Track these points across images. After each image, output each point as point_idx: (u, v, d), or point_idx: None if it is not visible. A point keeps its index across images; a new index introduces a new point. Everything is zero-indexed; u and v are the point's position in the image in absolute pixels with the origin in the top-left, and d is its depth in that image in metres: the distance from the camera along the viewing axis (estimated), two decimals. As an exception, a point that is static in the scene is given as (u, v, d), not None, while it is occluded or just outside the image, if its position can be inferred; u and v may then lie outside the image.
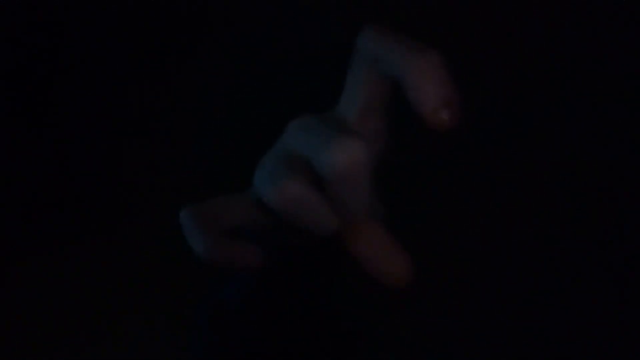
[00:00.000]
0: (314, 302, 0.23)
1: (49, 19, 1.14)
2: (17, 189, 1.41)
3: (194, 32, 1.59)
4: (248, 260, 0.17)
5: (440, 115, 0.15)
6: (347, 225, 0.17)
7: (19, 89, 1.27)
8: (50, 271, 1.42)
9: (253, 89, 1.77)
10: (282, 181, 0.16)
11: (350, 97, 0.18)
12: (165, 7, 1.19)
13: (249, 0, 1.22)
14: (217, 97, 1.77)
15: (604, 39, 0.44)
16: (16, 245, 1.48)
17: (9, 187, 1.31)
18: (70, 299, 1.30)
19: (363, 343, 0.25)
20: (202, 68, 1.85)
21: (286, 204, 0.16)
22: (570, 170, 0.34)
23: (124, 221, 1.51)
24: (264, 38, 1.68)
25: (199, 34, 1.63)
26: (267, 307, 0.23)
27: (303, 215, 0.16)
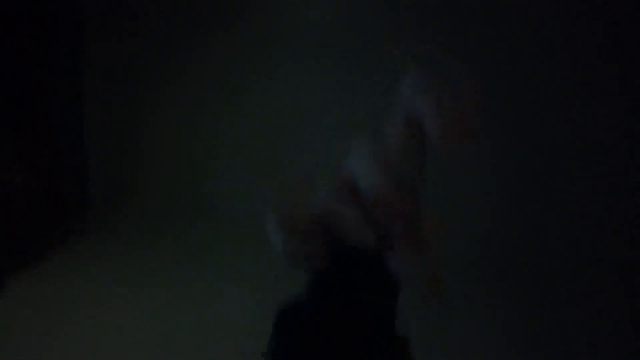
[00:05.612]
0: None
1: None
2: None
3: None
4: (315, 256, 0.20)
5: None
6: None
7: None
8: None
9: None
10: (326, 202, 0.20)
11: (393, 132, 0.20)
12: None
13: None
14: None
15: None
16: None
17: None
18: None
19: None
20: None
21: (329, 219, 0.20)
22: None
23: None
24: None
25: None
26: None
27: (344, 228, 0.20)
